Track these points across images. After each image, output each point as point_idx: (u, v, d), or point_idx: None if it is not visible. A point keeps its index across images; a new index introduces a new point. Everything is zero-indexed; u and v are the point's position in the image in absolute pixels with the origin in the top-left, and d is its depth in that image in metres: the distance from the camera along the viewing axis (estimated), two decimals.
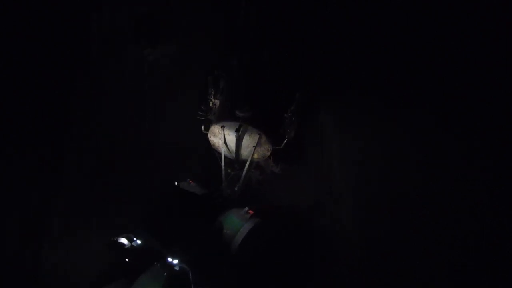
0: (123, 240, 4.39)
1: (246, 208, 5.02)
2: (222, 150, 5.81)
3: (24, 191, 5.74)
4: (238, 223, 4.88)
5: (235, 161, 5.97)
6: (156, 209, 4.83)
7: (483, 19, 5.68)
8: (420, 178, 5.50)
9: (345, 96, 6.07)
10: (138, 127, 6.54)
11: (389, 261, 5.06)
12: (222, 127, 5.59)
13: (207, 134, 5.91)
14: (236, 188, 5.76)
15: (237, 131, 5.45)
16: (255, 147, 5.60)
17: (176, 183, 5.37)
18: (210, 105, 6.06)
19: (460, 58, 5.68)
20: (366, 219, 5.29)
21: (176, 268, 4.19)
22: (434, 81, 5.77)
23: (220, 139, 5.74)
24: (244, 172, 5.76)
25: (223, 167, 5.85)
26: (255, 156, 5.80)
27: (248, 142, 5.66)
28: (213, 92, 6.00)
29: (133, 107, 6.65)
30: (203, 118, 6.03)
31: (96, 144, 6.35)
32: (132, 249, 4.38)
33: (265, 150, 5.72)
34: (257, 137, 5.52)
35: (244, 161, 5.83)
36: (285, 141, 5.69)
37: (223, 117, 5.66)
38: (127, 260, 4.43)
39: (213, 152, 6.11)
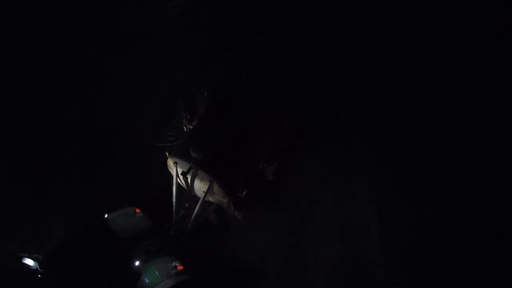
0: (29, 262, 4.32)
1: (175, 263, 4.48)
2: (174, 187, 5.24)
3: (24, 190, 5.75)
4: (157, 278, 4.34)
5: (191, 198, 5.39)
6: (72, 241, 4.58)
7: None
8: (421, 178, 5.52)
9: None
10: (138, 127, 6.52)
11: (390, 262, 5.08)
12: (175, 163, 5.07)
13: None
14: (187, 226, 5.21)
15: (183, 174, 4.88)
16: (205, 192, 4.99)
17: (106, 216, 5.03)
18: (185, 129, 5.51)
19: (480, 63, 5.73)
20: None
21: None
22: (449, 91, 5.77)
23: (174, 172, 5.22)
24: (194, 214, 5.16)
25: (174, 203, 5.32)
26: (211, 199, 5.25)
27: (200, 185, 5.06)
28: (188, 117, 5.53)
29: (133, 107, 6.63)
30: (169, 144, 5.49)
31: (95, 143, 6.33)
32: (38, 271, 4.27)
33: (221, 197, 5.10)
34: (208, 183, 4.94)
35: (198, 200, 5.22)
36: (245, 192, 5.18)
37: (177, 152, 5.10)
38: (39, 276, 4.28)
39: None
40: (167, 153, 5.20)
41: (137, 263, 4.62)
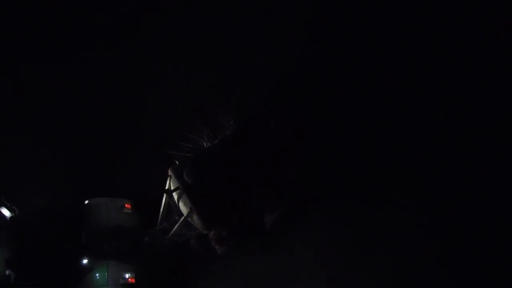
0: (5, 211, 4.62)
1: (129, 274, 4.44)
2: (164, 197, 5.28)
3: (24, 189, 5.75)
4: (103, 280, 4.35)
5: (180, 214, 5.35)
6: (44, 215, 4.81)
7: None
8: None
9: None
10: (139, 127, 6.50)
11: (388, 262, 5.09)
12: (170, 176, 5.11)
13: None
14: (166, 238, 5.21)
15: (166, 191, 4.96)
16: (184, 218, 4.97)
17: (86, 202, 5.07)
18: (204, 145, 5.55)
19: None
20: None
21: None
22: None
23: (167, 184, 5.24)
24: (172, 231, 5.18)
25: (160, 212, 5.36)
26: (193, 224, 5.22)
27: (183, 208, 5.04)
28: (210, 135, 5.59)
29: (134, 107, 6.60)
30: (181, 154, 5.49)
31: (95, 143, 6.31)
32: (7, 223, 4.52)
33: (200, 227, 5.05)
34: (188, 209, 4.93)
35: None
36: (227, 232, 5.15)
37: (176, 167, 5.12)
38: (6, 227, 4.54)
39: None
40: (176, 162, 5.27)
41: (87, 259, 4.61)
